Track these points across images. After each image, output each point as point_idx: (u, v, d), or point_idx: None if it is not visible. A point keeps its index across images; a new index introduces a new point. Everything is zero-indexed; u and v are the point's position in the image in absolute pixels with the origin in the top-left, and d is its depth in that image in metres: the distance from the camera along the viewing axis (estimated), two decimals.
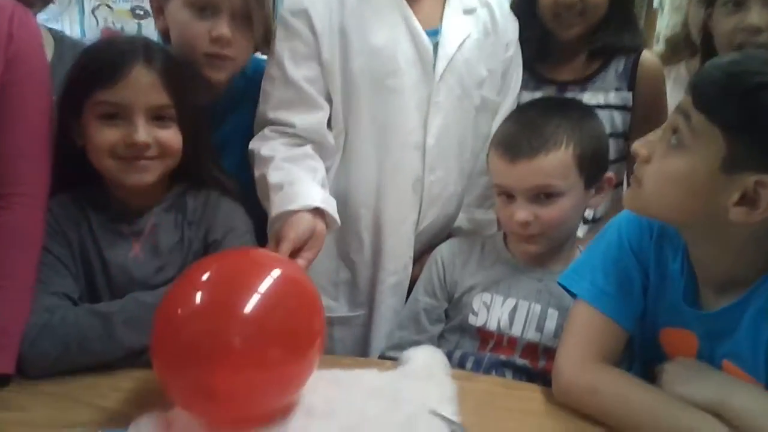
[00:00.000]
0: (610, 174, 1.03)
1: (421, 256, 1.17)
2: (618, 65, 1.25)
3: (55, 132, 0.92)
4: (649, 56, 1.27)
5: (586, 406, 0.78)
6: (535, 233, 0.98)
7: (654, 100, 1.26)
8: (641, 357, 0.91)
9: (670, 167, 0.73)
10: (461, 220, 1.19)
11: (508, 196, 0.99)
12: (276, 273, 0.73)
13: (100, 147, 0.89)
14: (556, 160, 0.95)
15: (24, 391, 0.79)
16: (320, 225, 0.94)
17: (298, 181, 0.99)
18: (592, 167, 0.98)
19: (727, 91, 0.68)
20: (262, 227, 1.02)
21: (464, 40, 1.12)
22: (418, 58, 1.09)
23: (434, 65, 1.09)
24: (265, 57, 1.16)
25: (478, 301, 1.03)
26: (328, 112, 1.10)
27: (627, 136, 1.25)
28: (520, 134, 0.98)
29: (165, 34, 1.11)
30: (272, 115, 1.08)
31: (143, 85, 0.88)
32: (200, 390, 0.66)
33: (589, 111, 1.07)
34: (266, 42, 1.12)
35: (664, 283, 0.85)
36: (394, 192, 1.11)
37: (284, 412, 0.73)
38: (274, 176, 1.00)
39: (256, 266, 0.75)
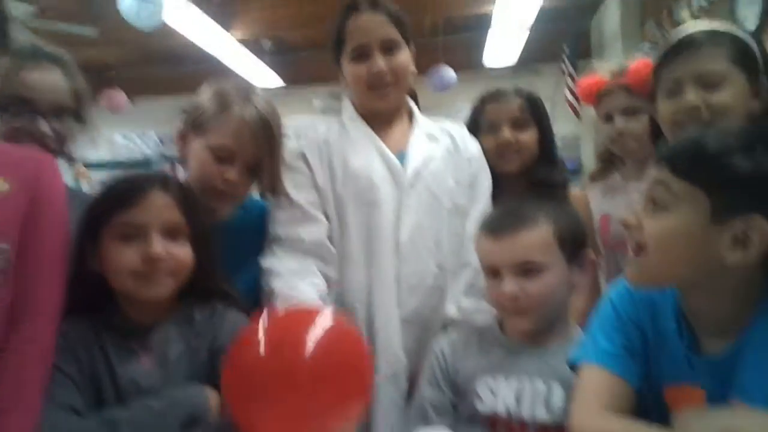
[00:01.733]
0: (588, 251, 1.10)
1: (417, 351, 1.23)
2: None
3: (72, 258, 1.00)
4: (575, 191, 1.60)
5: None
6: (524, 307, 1.03)
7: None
8: (649, 420, 0.91)
9: (663, 227, 0.80)
10: (450, 310, 1.26)
11: (496, 274, 1.06)
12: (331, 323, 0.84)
13: (119, 266, 0.96)
14: (537, 236, 1.04)
15: None
16: None
17: (302, 294, 1.16)
18: (572, 244, 1.07)
19: (702, 159, 0.79)
20: None
21: (428, 157, 1.32)
22: (390, 174, 1.29)
23: (403, 177, 1.28)
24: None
25: (482, 386, 1.04)
26: (328, 226, 1.26)
27: None
28: (503, 216, 1.09)
29: (181, 159, 1.27)
30: (282, 231, 1.26)
31: (159, 206, 0.98)
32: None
33: (564, 201, 1.19)
34: (272, 190, 1.29)
35: (663, 342, 0.89)
36: (380, 287, 1.24)
37: None
38: (282, 289, 1.17)
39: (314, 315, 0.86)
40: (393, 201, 1.27)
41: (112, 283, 0.98)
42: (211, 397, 0.94)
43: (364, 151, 1.30)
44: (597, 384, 0.87)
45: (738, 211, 0.76)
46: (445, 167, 1.32)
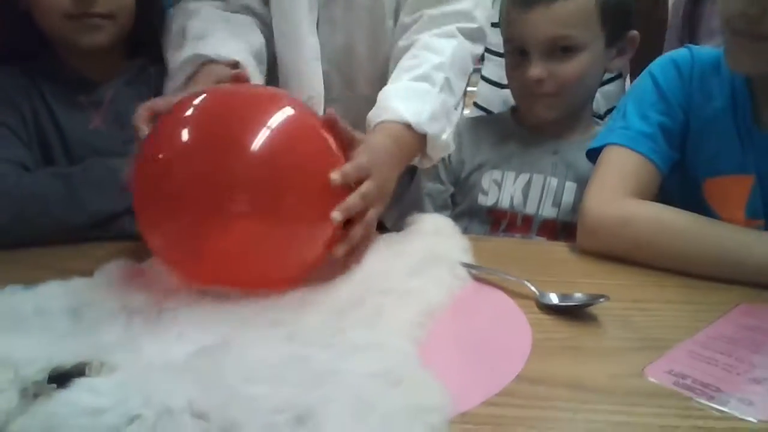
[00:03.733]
0: (634, 32, 0.92)
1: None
2: None
3: None
4: None
5: (617, 243, 0.68)
6: (549, 92, 0.88)
7: None
8: None
9: None
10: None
11: (521, 53, 0.89)
12: (288, 110, 0.58)
13: (46, 6, 0.77)
14: (577, 6, 0.85)
15: None
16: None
17: (224, 37, 0.80)
18: (616, 20, 0.88)
19: None
20: None
21: None
22: None
23: None
24: None
25: (487, 180, 0.93)
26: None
27: None
28: None
29: None
30: None
31: None
32: (190, 246, 0.54)
33: None
34: None
35: (709, 127, 0.76)
36: None
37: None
38: (197, 27, 0.81)
39: (264, 100, 0.60)
40: None
41: (43, 25, 0.80)
42: None
43: None
44: (621, 166, 0.74)
45: None
46: None
